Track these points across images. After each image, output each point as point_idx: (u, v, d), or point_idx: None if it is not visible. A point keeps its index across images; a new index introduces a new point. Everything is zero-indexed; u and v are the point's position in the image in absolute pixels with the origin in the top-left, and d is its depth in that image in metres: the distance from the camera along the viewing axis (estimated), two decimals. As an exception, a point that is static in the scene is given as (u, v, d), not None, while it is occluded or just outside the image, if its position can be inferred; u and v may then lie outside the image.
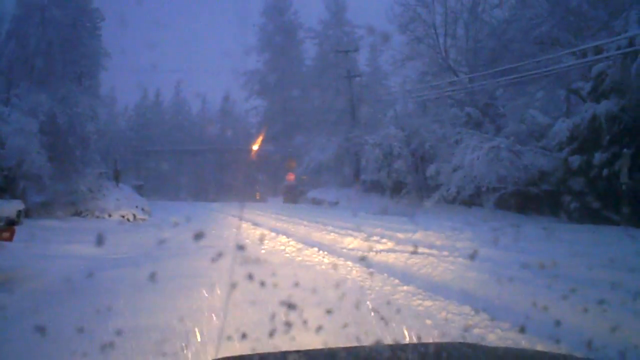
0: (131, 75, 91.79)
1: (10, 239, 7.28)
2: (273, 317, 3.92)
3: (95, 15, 41.62)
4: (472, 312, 5.29)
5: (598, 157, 14.35)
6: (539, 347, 4.07)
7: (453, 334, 4.79)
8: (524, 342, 4.40)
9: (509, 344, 4.48)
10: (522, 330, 4.64)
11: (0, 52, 33.48)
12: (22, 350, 4.49)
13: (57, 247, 10.42)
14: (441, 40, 28.72)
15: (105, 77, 43.45)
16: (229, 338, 3.73)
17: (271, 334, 3.48)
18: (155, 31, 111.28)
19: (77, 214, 18.34)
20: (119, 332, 4.65)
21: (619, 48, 15.77)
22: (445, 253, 8.81)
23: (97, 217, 18.51)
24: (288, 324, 3.72)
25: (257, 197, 50.74)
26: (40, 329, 4.78)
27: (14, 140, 15.49)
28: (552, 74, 20.92)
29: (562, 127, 15.81)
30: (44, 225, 14.92)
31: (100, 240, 12.11)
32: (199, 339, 4.48)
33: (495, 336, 4.65)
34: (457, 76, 27.86)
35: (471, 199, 19.53)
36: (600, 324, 4.86)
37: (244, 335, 3.73)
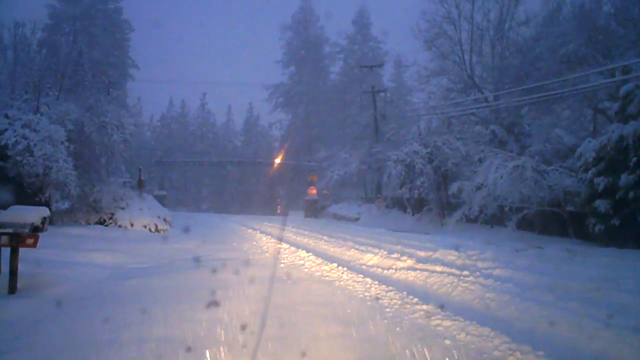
0: (157, 86, 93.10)
1: (34, 245, 7.39)
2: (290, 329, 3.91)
3: (124, 26, 42.54)
4: (492, 334, 5.21)
5: (624, 178, 14.08)
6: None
7: (472, 356, 4.72)
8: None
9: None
10: (543, 355, 4.56)
11: (32, 61, 34.30)
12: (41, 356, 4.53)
13: (79, 254, 10.54)
14: (467, 57, 28.69)
15: (132, 87, 44.24)
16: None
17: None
18: (182, 44, 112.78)
19: (100, 222, 18.52)
20: (130, 343, 4.68)
21: (647, 68, 15.55)
22: (466, 273, 8.70)
23: (120, 226, 18.67)
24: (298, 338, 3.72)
25: (278, 211, 50.83)
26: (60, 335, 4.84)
27: (41, 148, 15.75)
28: (579, 93, 20.70)
29: (588, 148, 15.56)
30: (67, 232, 15.12)
31: (121, 250, 12.25)
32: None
33: (515, 359, 4.57)
34: (482, 93, 27.76)
35: (493, 219, 19.32)
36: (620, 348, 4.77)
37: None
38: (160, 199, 34.60)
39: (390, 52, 51.73)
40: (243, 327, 5.06)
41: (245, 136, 71.32)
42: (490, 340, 5.08)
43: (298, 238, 17.11)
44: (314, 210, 39.57)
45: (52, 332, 5.28)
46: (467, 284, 7.94)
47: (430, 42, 30.01)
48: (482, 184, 18.47)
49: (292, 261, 11.50)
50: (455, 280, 8.27)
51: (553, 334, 5.37)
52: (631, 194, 13.88)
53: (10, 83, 32.65)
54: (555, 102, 23.25)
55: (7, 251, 7.20)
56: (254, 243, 16.59)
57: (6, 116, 16.65)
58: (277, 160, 55.16)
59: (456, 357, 4.65)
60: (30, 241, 7.32)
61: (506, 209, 18.33)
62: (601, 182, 14.72)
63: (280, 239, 16.79)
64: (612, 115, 17.92)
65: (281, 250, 14.02)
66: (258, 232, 20.56)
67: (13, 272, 7.12)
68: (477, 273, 8.64)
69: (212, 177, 65.95)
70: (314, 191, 41.69)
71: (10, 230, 7.16)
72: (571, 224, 16.61)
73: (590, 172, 15.22)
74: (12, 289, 7.08)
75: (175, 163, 61.64)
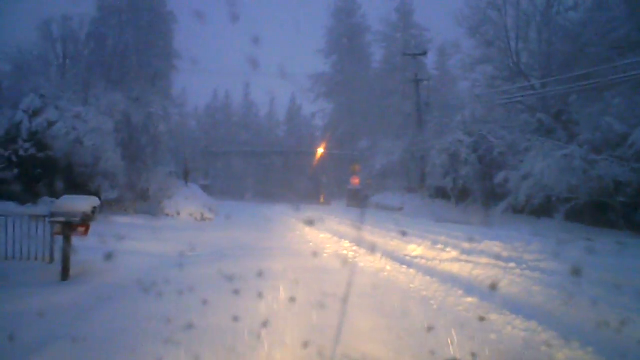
0: (202, 76, 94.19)
1: (85, 233, 7.63)
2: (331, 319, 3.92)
3: (169, 18, 43.10)
4: (540, 329, 5.12)
5: (680, 168, 13.62)
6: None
7: (518, 351, 4.65)
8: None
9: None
10: (593, 351, 4.46)
11: (80, 54, 35.20)
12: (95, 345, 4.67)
13: (128, 243, 10.80)
14: (512, 43, 27.97)
15: (177, 78, 44.89)
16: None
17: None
18: (226, 36, 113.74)
19: (147, 211, 18.95)
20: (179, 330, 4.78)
21: None
22: (512, 265, 8.56)
23: (167, 214, 19.07)
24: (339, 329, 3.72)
25: (321, 201, 50.93)
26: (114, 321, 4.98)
27: (91, 138, 16.20)
28: (630, 79, 19.97)
29: (640, 136, 15.08)
30: (116, 221, 15.53)
31: (169, 238, 12.52)
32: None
33: (564, 355, 4.49)
34: (528, 81, 27.07)
35: (540, 209, 18.90)
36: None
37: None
38: (205, 188, 35.18)
39: (434, 39, 51.00)
40: (293, 326, 5.07)
41: (288, 126, 71.64)
42: (537, 334, 4.99)
43: (341, 227, 17.14)
44: (357, 199, 39.50)
45: (100, 320, 5.44)
46: (513, 277, 7.82)
47: (475, 29, 29.37)
48: (528, 174, 18.10)
49: (336, 250, 11.54)
50: (501, 272, 8.16)
51: (603, 331, 5.24)
52: (686, 185, 13.41)
53: (60, 76, 33.57)
54: (605, 89, 22.48)
55: (60, 239, 7.47)
56: (297, 232, 16.71)
57: (57, 108, 17.16)
58: (320, 150, 55.25)
59: (502, 352, 4.60)
60: (81, 230, 7.56)
61: (554, 199, 17.92)
62: (654, 172, 14.26)
63: (323, 229, 16.85)
64: (666, 102, 17.27)
65: (324, 239, 14.08)
66: (301, 221, 20.67)
67: (66, 260, 7.38)
68: (524, 265, 8.50)
69: (256, 166, 66.51)
70: (357, 181, 41.61)
71: (62, 219, 7.41)
72: (622, 215, 16.11)
73: (642, 162, 14.76)
74: (65, 276, 7.34)
75: (219, 153, 62.37)
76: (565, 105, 24.44)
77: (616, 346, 4.72)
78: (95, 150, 16.35)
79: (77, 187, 15.61)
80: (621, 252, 10.07)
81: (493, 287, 7.47)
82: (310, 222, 19.42)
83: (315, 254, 10.86)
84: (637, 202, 15.03)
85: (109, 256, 8.02)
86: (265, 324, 4.88)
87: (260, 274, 7.14)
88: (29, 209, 10.43)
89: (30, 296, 6.29)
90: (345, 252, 11.31)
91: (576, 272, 7.67)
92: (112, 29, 39.00)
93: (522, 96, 26.39)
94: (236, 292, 5.84)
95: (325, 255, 10.85)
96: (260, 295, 6.01)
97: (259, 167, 66.08)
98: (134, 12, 40.03)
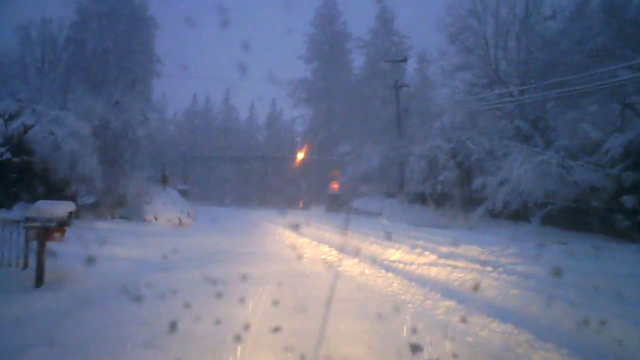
0: (181, 82, 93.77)
1: (61, 239, 7.52)
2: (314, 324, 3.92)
3: (149, 23, 42.83)
4: (516, 331, 5.17)
5: (653, 174, 13.88)
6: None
7: (495, 353, 4.69)
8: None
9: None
10: (567, 353, 4.51)
11: (59, 57, 34.86)
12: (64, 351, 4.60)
13: (105, 248, 10.67)
14: (492, 51, 28.31)
15: (157, 83, 44.58)
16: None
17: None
18: (206, 41, 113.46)
19: (125, 216, 18.73)
20: (156, 337, 4.73)
21: (678, 62, 15.22)
22: (489, 268, 8.63)
23: (144, 220, 18.88)
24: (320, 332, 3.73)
25: (301, 206, 50.86)
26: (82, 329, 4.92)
27: (68, 143, 15.98)
28: (606, 87, 20.31)
29: (615, 143, 15.31)
30: (92, 226, 15.33)
31: (146, 244, 12.40)
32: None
33: (539, 357, 4.53)
34: (507, 88, 27.39)
35: (517, 214, 19.10)
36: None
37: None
38: (184, 194, 34.92)
39: (414, 47, 51.35)
40: (274, 330, 5.03)
41: (268, 131, 71.58)
42: (513, 337, 5.04)
43: (320, 232, 17.13)
44: (336, 204, 39.52)
45: (77, 326, 5.36)
46: (490, 280, 7.88)
47: (455, 37, 29.67)
48: (506, 179, 18.29)
49: (315, 255, 11.53)
50: (479, 276, 8.22)
51: (578, 332, 5.30)
52: (660, 190, 13.67)
53: (38, 80, 33.20)
54: (581, 97, 22.84)
55: (35, 245, 7.35)
56: (277, 237, 16.67)
57: (34, 112, 16.93)
58: (300, 155, 55.24)
59: (479, 354, 4.63)
60: (57, 235, 7.46)
61: (530, 204, 18.13)
62: (628, 178, 14.49)
63: (302, 233, 16.83)
64: (640, 109, 17.60)
65: (304, 244, 14.06)
66: (280, 226, 20.63)
67: (40, 266, 7.26)
68: (501, 269, 8.57)
69: (235, 171, 66.26)
70: (336, 186, 41.64)
71: (37, 225, 7.30)
72: (597, 220, 16.34)
73: (617, 168, 14.99)
74: (39, 282, 7.22)
75: (198, 158, 62.06)
76: (543, 112, 24.78)
77: (592, 347, 4.78)
78: (72, 155, 16.12)
79: (54, 192, 15.38)
80: (597, 256, 10.21)
81: (471, 290, 7.52)
82: (289, 227, 19.39)
83: (294, 259, 10.86)
84: (612, 207, 15.25)
85: (85, 261, 7.93)
86: (246, 327, 4.88)
87: (242, 279, 7.13)
88: (4, 214, 10.26)
89: (2, 304, 6.17)
90: (324, 256, 11.30)
91: (553, 275, 7.77)
92: (92, 33, 38.67)
93: (501, 103, 26.69)
94: (218, 295, 5.83)
95: (305, 260, 10.84)
96: (242, 300, 6.01)
97: (239, 172, 65.88)
98: (115, 16, 39.69)
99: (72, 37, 37.08)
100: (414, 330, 5.19)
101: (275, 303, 6.07)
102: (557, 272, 7.92)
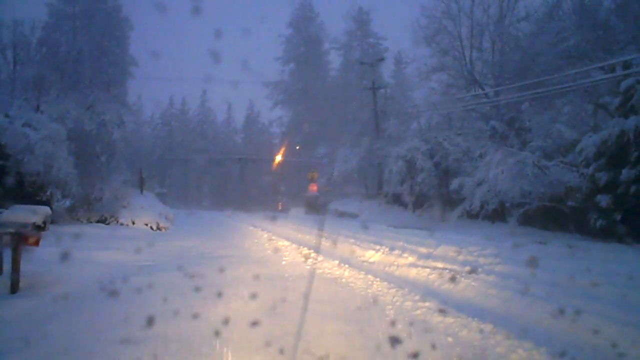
0: (158, 84, 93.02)
1: (36, 244, 7.38)
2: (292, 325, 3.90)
3: (124, 24, 42.43)
4: (495, 330, 5.21)
5: (626, 173, 14.08)
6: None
7: (474, 353, 4.72)
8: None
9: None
10: (546, 351, 4.56)
11: (32, 59, 34.31)
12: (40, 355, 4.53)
13: (81, 253, 10.52)
14: (467, 52, 28.62)
15: (133, 85, 44.23)
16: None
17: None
18: (182, 43, 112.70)
19: (102, 220, 18.51)
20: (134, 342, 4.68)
21: (648, 63, 15.53)
22: (468, 269, 8.71)
23: (122, 224, 18.68)
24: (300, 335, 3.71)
25: (279, 208, 50.81)
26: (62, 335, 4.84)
27: (42, 146, 15.73)
28: (579, 88, 20.67)
29: (589, 143, 15.55)
30: (69, 231, 15.10)
31: (123, 248, 12.26)
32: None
33: (517, 356, 4.57)
34: (482, 89, 27.71)
35: (495, 214, 19.32)
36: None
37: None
38: (161, 197, 34.68)
39: (391, 48, 51.69)
40: (253, 324, 5.01)
41: (245, 133, 71.34)
42: (492, 336, 5.08)
43: (299, 235, 17.12)
44: (315, 206, 39.59)
45: (54, 332, 5.27)
46: (469, 280, 7.95)
47: (430, 38, 29.93)
48: (483, 180, 18.48)
49: (294, 258, 11.51)
50: (457, 276, 8.27)
51: (556, 330, 5.37)
52: (632, 189, 13.90)
53: (10, 82, 32.66)
54: (555, 98, 23.21)
55: (9, 251, 7.21)
56: (255, 240, 16.60)
57: (6, 115, 16.64)
58: (278, 157, 55.19)
59: (458, 354, 4.66)
60: (32, 240, 7.31)
61: (507, 204, 18.36)
62: (602, 177, 14.72)
63: (281, 236, 16.80)
64: (613, 110, 17.90)
65: (283, 247, 14.03)
66: (259, 229, 20.57)
67: (15, 272, 7.12)
68: (479, 269, 8.65)
69: (213, 174, 65.96)
70: (315, 188, 41.73)
71: (12, 230, 7.15)
72: (572, 219, 16.60)
73: (591, 167, 15.22)
74: (14, 288, 7.08)
75: (175, 160, 61.67)
76: (518, 112, 25.10)
77: (569, 344, 4.84)
78: (47, 158, 15.86)
79: (28, 196, 15.12)
80: (572, 255, 10.37)
81: (449, 291, 7.57)
82: (268, 230, 19.34)
83: (273, 262, 10.81)
84: (586, 206, 15.49)
85: (62, 266, 7.81)
86: (226, 321, 4.88)
87: (221, 283, 7.08)
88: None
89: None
90: (303, 259, 11.29)
91: (530, 274, 7.87)
92: (65, 34, 38.21)
93: (477, 104, 27.00)
94: (197, 293, 5.78)
95: (284, 262, 10.81)
96: (220, 301, 5.97)
97: (216, 175, 65.61)
98: (88, 18, 39.25)
99: (45, 39, 36.60)
100: (393, 333, 5.20)
101: (253, 305, 6.04)
102: (534, 272, 8.03)
